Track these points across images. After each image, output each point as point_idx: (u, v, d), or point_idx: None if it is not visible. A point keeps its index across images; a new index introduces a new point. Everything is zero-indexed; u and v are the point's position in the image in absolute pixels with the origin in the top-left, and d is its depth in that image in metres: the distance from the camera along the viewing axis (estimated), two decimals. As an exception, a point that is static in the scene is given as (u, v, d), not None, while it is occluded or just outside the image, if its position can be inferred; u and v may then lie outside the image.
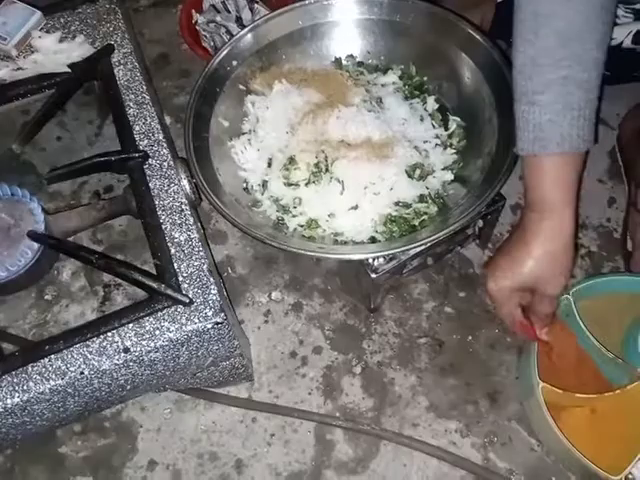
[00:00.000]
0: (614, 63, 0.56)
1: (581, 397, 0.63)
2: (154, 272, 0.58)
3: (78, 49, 0.71)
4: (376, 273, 0.66)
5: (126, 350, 0.55)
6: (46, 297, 0.62)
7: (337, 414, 0.71)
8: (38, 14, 0.73)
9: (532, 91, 0.56)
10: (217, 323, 0.56)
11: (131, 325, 0.56)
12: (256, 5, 0.93)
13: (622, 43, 0.69)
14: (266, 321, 0.77)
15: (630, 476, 0.60)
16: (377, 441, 0.70)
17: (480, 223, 0.73)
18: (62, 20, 0.74)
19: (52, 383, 0.54)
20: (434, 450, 0.68)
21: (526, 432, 0.70)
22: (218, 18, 0.92)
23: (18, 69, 0.71)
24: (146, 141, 0.65)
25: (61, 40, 0.72)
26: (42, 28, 0.73)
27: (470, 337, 0.75)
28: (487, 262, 0.70)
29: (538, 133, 0.56)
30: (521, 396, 0.71)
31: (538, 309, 0.63)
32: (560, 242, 0.58)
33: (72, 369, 0.54)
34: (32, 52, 0.72)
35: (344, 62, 0.81)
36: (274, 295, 0.79)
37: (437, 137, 0.74)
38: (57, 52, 0.71)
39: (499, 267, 0.62)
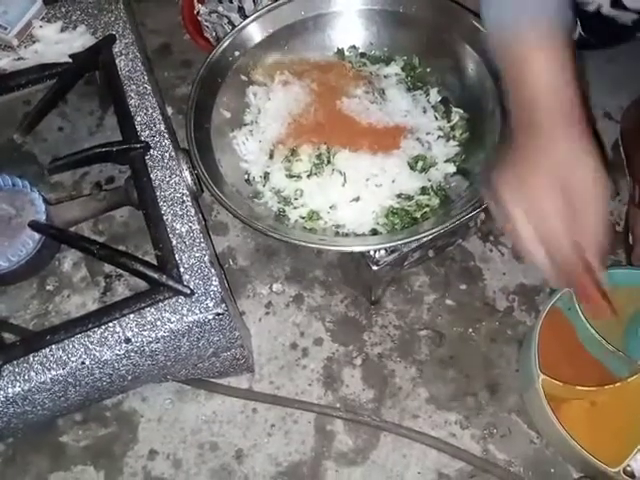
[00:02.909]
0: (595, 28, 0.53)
1: (581, 389, 0.63)
2: (155, 263, 0.58)
3: (79, 39, 0.71)
4: (377, 265, 0.66)
5: (127, 340, 0.55)
6: (47, 287, 0.62)
7: (337, 405, 0.72)
8: (39, 3, 0.72)
9: None
10: (218, 314, 0.56)
11: (132, 316, 0.56)
12: (258, -5, 0.92)
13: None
14: (267, 313, 0.78)
15: (628, 468, 0.60)
16: (377, 432, 0.70)
17: (482, 216, 0.73)
18: (63, 10, 0.74)
19: (53, 373, 0.54)
20: (434, 441, 0.69)
21: (526, 424, 0.70)
22: (220, 8, 0.91)
23: (19, 59, 0.70)
24: (147, 132, 0.65)
25: (62, 30, 0.72)
26: (43, 17, 0.73)
27: (471, 329, 0.75)
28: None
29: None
30: (521, 388, 0.71)
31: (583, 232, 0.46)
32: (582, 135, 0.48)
33: (73, 359, 0.54)
34: (33, 42, 0.71)
35: (347, 53, 0.80)
36: (275, 287, 0.79)
37: (440, 129, 0.74)
38: (58, 42, 0.71)
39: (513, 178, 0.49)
